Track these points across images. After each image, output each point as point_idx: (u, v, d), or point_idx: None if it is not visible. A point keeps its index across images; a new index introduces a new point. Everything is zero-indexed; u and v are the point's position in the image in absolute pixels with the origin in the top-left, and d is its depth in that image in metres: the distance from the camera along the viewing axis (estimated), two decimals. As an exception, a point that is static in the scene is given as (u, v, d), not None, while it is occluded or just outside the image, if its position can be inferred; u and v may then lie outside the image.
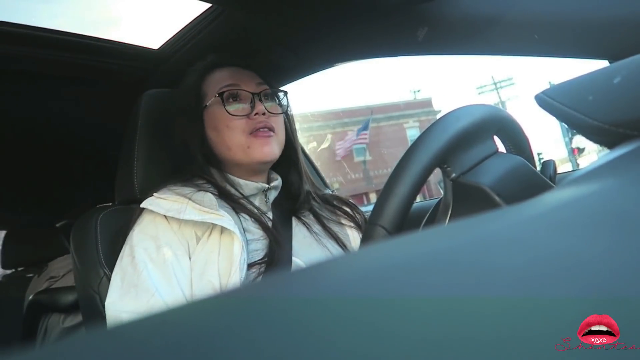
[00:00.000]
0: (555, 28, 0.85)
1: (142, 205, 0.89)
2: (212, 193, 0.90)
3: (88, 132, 1.75)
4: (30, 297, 1.88)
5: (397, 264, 0.23)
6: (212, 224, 0.85)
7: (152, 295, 0.78)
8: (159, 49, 1.29)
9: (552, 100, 0.44)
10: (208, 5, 1.08)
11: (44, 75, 1.28)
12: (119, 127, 1.16)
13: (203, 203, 0.86)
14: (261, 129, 0.93)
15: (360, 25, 1.08)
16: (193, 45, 1.20)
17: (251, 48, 1.15)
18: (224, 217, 0.84)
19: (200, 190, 0.90)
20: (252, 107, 0.94)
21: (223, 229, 0.84)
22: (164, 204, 0.87)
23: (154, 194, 0.90)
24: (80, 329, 1.66)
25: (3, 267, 2.41)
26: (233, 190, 0.94)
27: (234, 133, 0.93)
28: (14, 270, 2.44)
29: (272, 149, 0.94)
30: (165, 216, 0.87)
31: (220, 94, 0.94)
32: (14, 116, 1.53)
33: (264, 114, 0.94)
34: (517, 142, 0.71)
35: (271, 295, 0.21)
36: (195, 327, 0.18)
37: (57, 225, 2.60)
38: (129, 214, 1.04)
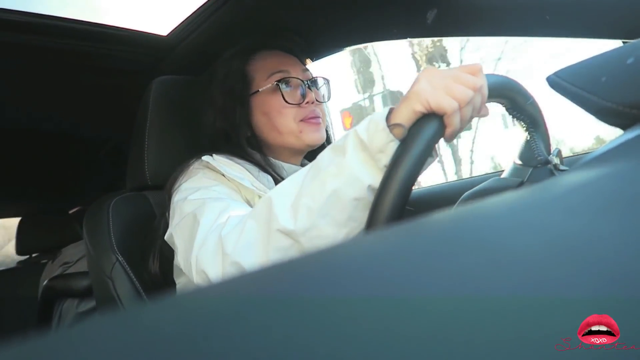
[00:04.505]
0: (568, 8, 0.84)
1: (203, 158, 0.88)
2: (273, 176, 0.91)
3: (99, 119, 1.76)
4: (45, 283, 1.91)
5: (406, 248, 0.23)
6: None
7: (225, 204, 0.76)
8: (168, 35, 1.28)
9: (564, 82, 0.43)
10: (216, -10, 1.07)
11: (53, 63, 1.29)
12: (129, 115, 1.16)
13: (263, 182, 0.86)
14: (311, 116, 0.95)
15: (370, 7, 1.06)
16: (202, 30, 1.20)
17: (260, 33, 1.14)
18: None
19: (261, 171, 0.91)
20: (303, 96, 0.95)
21: None
22: (225, 164, 0.86)
23: (213, 154, 0.89)
24: (94, 314, 1.69)
25: (18, 254, 2.45)
26: (275, 174, 0.94)
27: (286, 119, 0.94)
28: (28, 256, 2.48)
29: (322, 134, 0.97)
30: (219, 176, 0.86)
31: (278, 82, 0.95)
32: (26, 105, 1.55)
33: (313, 102, 0.96)
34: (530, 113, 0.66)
35: (267, 287, 0.21)
36: (205, 313, 0.18)
37: (70, 212, 2.63)
38: (141, 201, 1.05)
